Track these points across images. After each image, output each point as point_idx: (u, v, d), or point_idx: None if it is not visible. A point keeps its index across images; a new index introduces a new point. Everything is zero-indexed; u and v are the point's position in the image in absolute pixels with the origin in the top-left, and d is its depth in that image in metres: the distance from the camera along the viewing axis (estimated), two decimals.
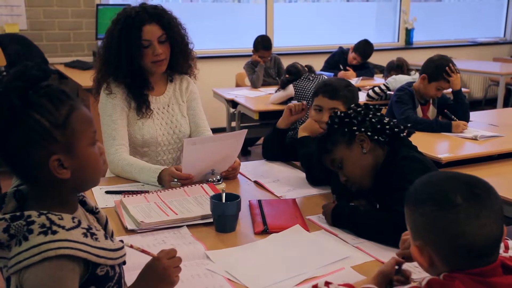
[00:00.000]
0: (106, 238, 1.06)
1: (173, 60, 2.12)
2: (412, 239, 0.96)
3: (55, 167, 1.00)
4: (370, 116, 1.59)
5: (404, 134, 1.61)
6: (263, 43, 4.62)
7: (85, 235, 1.01)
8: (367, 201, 1.69)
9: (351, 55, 5.11)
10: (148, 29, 2.00)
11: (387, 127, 1.57)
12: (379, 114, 1.62)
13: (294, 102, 2.24)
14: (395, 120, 1.64)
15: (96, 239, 1.03)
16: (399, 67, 4.23)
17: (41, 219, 0.98)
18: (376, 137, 1.56)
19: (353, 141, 1.58)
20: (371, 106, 1.64)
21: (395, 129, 1.58)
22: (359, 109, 1.62)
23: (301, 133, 2.08)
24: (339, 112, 1.63)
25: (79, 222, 1.03)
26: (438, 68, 2.93)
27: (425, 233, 0.92)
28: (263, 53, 4.59)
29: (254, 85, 4.59)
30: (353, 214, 1.55)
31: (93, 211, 1.15)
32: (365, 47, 5.09)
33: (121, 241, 1.11)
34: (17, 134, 0.97)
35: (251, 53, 4.69)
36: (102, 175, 1.13)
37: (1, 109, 0.96)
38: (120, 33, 1.99)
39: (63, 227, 0.98)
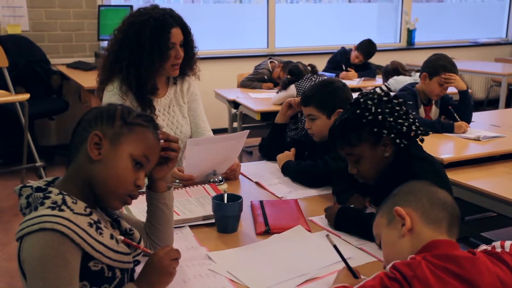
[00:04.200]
0: (112, 238, 1.07)
1: (182, 64, 2.13)
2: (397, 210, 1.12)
3: (92, 141, 1.08)
4: (401, 120, 1.51)
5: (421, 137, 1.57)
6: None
7: (90, 225, 1.04)
8: (362, 196, 1.69)
9: (353, 53, 5.10)
10: (174, 32, 2.02)
11: (413, 134, 1.52)
12: (408, 114, 1.54)
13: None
14: (416, 118, 1.57)
15: (101, 233, 1.05)
16: (394, 70, 4.20)
17: (57, 197, 1.03)
18: (399, 142, 1.51)
19: (378, 143, 1.52)
20: (402, 102, 1.55)
21: (419, 135, 1.54)
22: (389, 105, 1.53)
23: (281, 163, 2.11)
24: (372, 108, 1.51)
25: (90, 213, 1.06)
26: (436, 63, 2.93)
27: (410, 196, 1.13)
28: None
29: (243, 85, 4.57)
30: (358, 218, 1.53)
31: (126, 233, 1.19)
32: (368, 46, 5.08)
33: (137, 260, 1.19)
34: (97, 109, 1.15)
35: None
36: (116, 204, 1.15)
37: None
38: (152, 35, 1.97)
39: (71, 210, 1.02)
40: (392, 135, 1.50)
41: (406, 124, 1.51)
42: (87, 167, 1.09)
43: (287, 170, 2.07)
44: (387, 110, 1.51)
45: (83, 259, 1.01)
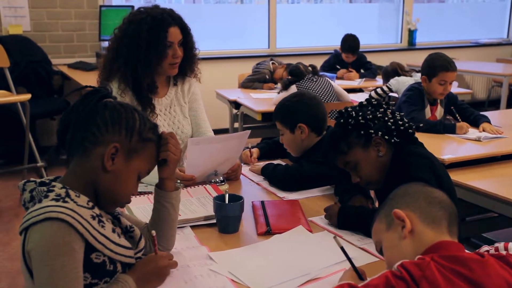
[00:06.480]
0: (113, 231, 1.10)
1: (183, 64, 2.13)
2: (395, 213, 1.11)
3: (109, 152, 1.09)
4: (386, 118, 1.54)
5: (412, 130, 1.58)
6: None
7: (93, 217, 1.06)
8: (365, 197, 1.69)
9: (343, 55, 5.12)
10: (172, 31, 2.02)
11: (401, 128, 1.54)
12: (394, 113, 1.57)
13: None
14: (402, 113, 1.61)
15: (103, 226, 1.07)
16: (394, 71, 4.20)
17: (61, 190, 1.06)
18: (392, 140, 1.53)
19: (369, 144, 1.54)
20: (383, 103, 1.60)
21: (408, 130, 1.56)
22: (372, 109, 1.57)
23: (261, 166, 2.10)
24: (353, 112, 1.57)
25: (93, 207, 1.08)
26: (432, 63, 2.93)
27: (406, 198, 1.11)
28: None
29: (244, 85, 4.57)
30: (360, 214, 1.53)
31: (127, 230, 1.20)
32: (348, 43, 5.08)
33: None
34: (116, 112, 1.12)
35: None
36: (112, 208, 1.20)
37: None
38: (149, 33, 1.98)
39: (75, 202, 1.05)
40: (380, 133, 1.52)
41: (392, 120, 1.54)
42: (97, 173, 1.11)
43: (265, 173, 2.05)
44: (368, 112, 1.56)
45: (85, 250, 1.03)
